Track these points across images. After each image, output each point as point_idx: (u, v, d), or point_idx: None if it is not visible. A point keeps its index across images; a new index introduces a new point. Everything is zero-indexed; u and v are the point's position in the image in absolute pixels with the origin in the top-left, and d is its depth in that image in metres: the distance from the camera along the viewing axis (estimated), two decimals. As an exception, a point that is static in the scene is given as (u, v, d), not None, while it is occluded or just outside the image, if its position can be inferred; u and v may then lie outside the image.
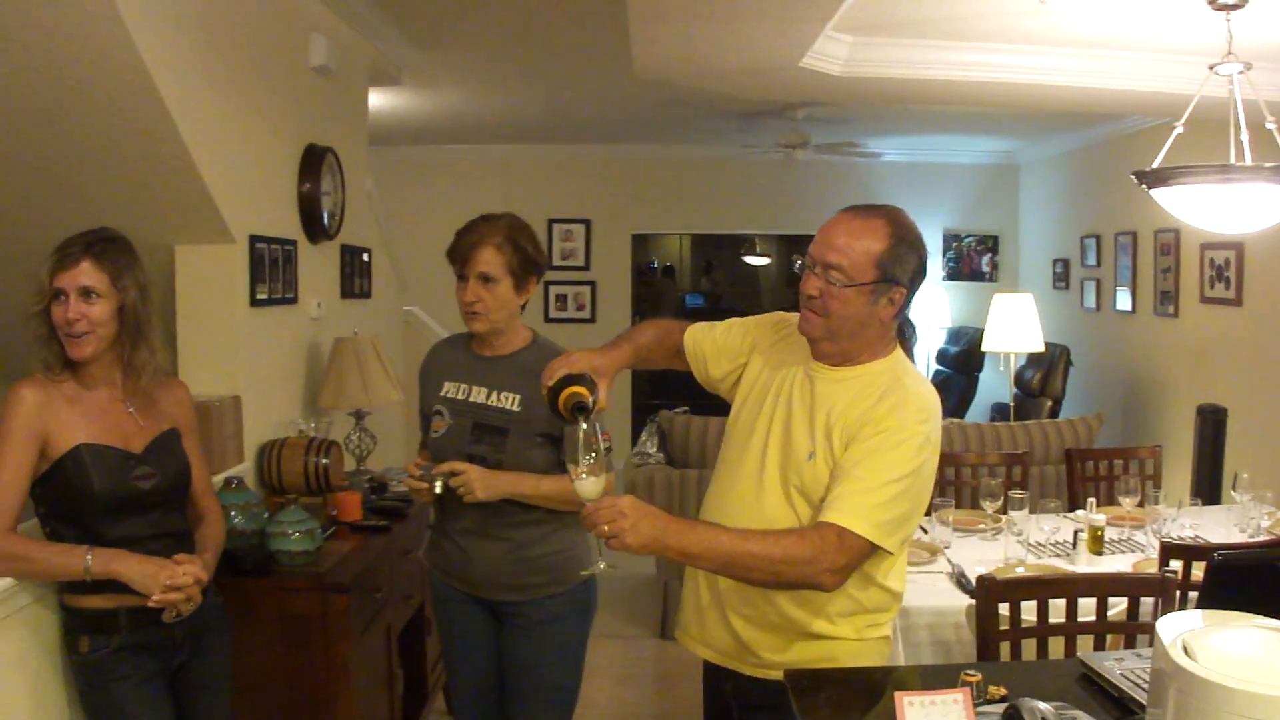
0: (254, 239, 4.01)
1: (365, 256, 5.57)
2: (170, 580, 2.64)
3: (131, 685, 2.70)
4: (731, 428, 2.62)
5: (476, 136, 9.60)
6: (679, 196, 10.42)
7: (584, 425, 2.31)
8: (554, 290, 10.35)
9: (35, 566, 2.60)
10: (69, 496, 2.64)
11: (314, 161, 4.57)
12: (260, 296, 4.07)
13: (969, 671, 2.21)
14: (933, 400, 2.40)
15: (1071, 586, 3.03)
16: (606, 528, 2.17)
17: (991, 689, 2.21)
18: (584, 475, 2.26)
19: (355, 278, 5.39)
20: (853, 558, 2.24)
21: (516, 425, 3.03)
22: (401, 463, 4.63)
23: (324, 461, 4.04)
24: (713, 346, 2.72)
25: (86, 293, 2.63)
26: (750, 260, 15.29)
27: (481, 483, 2.95)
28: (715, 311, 13.89)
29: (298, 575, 3.40)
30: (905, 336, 2.54)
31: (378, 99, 6.58)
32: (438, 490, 2.98)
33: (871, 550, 2.26)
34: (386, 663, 3.90)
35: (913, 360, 2.53)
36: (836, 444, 2.36)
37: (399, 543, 3.99)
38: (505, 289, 3.04)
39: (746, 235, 13.98)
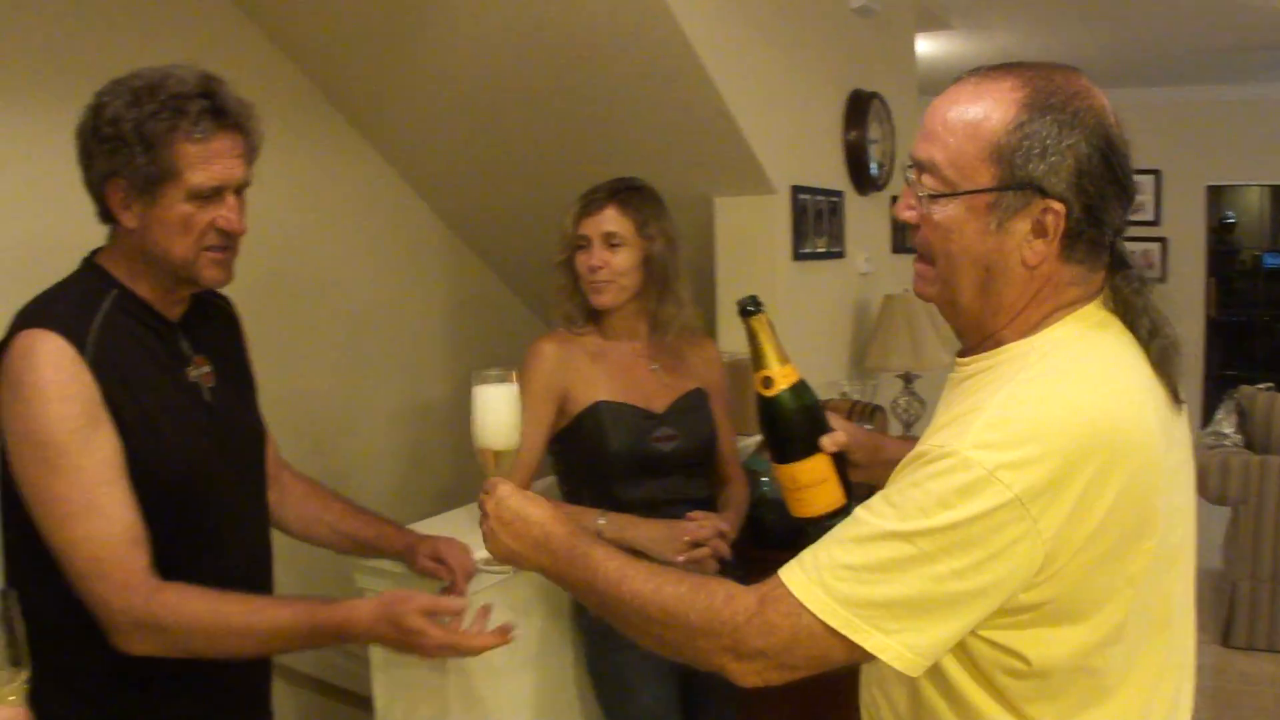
0: (796, 189, 3.66)
1: (915, 210, 5.09)
2: (689, 536, 2.37)
3: (636, 656, 2.44)
4: None
5: (1034, 84, 8.79)
6: (1259, 143, 8.87)
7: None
8: (1119, 247, 9.35)
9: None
10: (586, 455, 2.46)
11: (859, 108, 4.16)
12: (804, 250, 3.72)
13: None
14: (1051, 419, 1.22)
15: None
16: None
17: None
18: None
19: (905, 231, 4.92)
20: (778, 641, 1.27)
21: None
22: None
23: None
24: None
25: (610, 239, 2.44)
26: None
27: None
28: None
29: (827, 551, 3.00)
30: (1131, 305, 1.35)
31: (927, 45, 6.12)
32: None
33: (831, 639, 1.24)
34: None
35: (1169, 356, 1.34)
36: None
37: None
38: None
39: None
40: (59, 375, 1.64)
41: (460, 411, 4.51)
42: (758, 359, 1.63)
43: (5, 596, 1.26)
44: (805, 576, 1.26)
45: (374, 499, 2.27)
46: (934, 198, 1.32)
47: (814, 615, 1.24)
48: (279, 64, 3.42)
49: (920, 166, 1.34)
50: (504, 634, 1.85)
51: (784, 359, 1.62)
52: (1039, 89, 1.29)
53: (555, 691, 2.60)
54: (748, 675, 1.32)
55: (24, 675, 1.27)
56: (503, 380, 1.70)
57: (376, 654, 2.33)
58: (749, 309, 1.64)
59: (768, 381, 1.61)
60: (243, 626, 1.69)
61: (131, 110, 1.67)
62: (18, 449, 1.67)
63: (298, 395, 3.45)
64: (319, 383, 3.59)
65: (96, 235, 1.81)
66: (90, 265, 1.82)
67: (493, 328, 4.43)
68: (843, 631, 1.23)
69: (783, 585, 1.27)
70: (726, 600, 1.31)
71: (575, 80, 3.24)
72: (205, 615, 1.66)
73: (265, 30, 3.32)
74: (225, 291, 1.96)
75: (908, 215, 1.37)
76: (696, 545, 2.38)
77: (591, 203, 2.49)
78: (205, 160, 1.69)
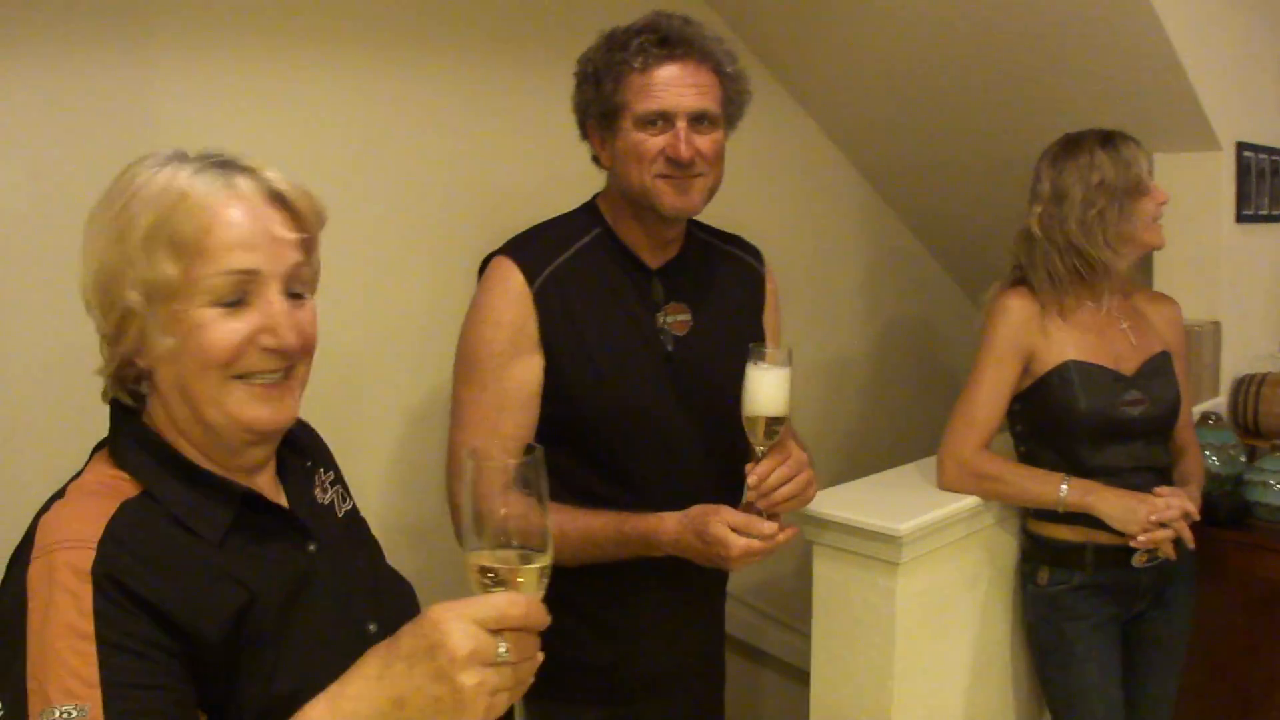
0: (1241, 146, 3.36)
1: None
2: (1155, 515, 2.22)
3: (1085, 626, 2.34)
4: None
5: None
6: None
7: None
8: None
9: (1007, 489, 2.32)
10: (1051, 417, 2.34)
11: (1307, 58, 3.79)
12: (1245, 211, 3.42)
13: None
14: None
15: None
16: None
17: None
18: None
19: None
20: None
21: None
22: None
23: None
24: None
25: None
26: None
27: None
28: None
29: (1276, 534, 2.76)
30: None
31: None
32: None
33: None
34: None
35: None
36: None
37: None
38: None
39: None
40: (500, 301, 1.81)
41: (873, 370, 4.33)
42: None
43: (534, 451, 1.09)
44: None
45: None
46: None
47: None
48: (699, 10, 3.37)
49: None
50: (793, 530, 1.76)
51: None
52: None
53: (991, 661, 2.52)
54: None
55: (544, 559, 1.11)
56: (773, 360, 1.69)
57: (818, 627, 2.31)
58: None
59: None
60: (557, 533, 1.63)
61: (592, 56, 1.82)
62: (457, 357, 1.87)
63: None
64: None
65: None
66: (588, 204, 1.95)
67: (907, 286, 4.33)
68: None
69: None
70: None
71: (1011, 28, 3.06)
72: None
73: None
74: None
75: None
76: (1161, 525, 2.24)
77: (1137, 145, 2.46)
78: (647, 89, 1.77)
